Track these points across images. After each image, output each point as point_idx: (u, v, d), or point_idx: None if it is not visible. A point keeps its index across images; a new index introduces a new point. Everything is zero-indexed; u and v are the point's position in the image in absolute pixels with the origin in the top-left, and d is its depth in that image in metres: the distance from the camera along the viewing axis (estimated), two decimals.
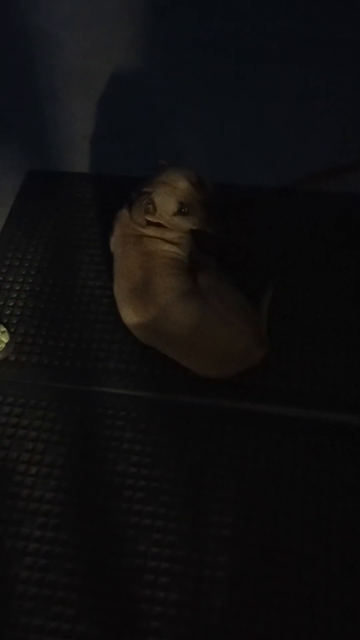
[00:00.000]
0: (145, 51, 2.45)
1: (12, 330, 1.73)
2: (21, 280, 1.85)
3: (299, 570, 1.32)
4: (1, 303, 1.80)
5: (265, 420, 1.53)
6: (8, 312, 1.78)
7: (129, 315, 1.58)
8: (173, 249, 1.59)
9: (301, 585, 1.30)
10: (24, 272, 1.87)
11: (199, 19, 2.53)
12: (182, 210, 1.51)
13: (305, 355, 1.64)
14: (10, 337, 1.70)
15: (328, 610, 1.28)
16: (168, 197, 1.50)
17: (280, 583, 1.31)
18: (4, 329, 1.69)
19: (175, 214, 1.52)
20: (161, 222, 1.55)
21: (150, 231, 1.55)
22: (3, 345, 1.67)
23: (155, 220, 1.55)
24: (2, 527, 1.40)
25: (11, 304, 1.80)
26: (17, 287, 1.83)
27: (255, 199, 1.95)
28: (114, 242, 1.63)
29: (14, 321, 1.76)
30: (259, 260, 1.81)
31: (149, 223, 1.54)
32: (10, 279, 1.85)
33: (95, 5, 2.63)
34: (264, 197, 1.96)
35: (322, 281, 1.77)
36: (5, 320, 1.75)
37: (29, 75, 2.42)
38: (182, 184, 1.50)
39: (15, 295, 1.81)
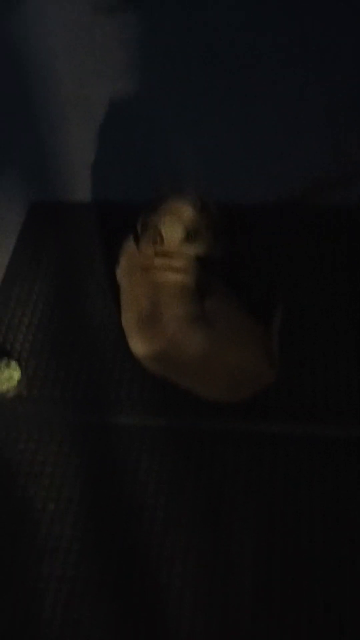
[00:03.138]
0: (140, 76, 2.46)
1: (23, 364, 1.74)
2: (29, 313, 1.85)
3: (325, 594, 1.30)
4: (11, 337, 1.81)
5: (280, 440, 1.52)
6: (18, 346, 1.78)
7: (138, 347, 1.58)
8: (179, 276, 1.59)
9: (329, 610, 1.28)
10: (32, 305, 1.87)
11: (192, 41, 2.54)
12: (190, 237, 1.51)
13: (317, 372, 1.63)
14: (22, 372, 1.71)
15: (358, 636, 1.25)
16: (174, 226, 1.51)
17: (307, 609, 1.28)
18: (15, 364, 1.70)
19: (182, 242, 1.52)
20: (169, 251, 1.56)
21: (157, 261, 1.56)
22: (15, 381, 1.67)
23: (163, 250, 1.55)
24: (22, 567, 1.39)
25: (21, 337, 1.80)
26: (26, 321, 1.84)
27: (258, 216, 1.95)
28: (121, 273, 1.64)
29: (25, 355, 1.76)
30: (265, 278, 1.80)
31: (156, 253, 1.54)
32: (19, 312, 1.86)
33: (89, 33, 2.65)
34: (266, 214, 1.95)
35: (330, 296, 1.75)
36: (16, 355, 1.76)
37: (27, 107, 2.44)
38: (187, 212, 1.51)
39: (24, 329, 1.82)
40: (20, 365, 1.72)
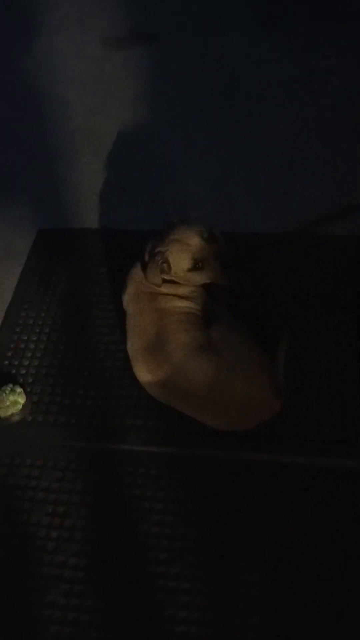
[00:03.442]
0: (147, 106, 2.52)
1: (28, 389, 1.73)
2: (35, 338, 1.86)
3: (332, 627, 1.28)
4: (16, 362, 1.81)
5: (287, 471, 1.51)
6: (23, 371, 1.78)
7: (143, 374, 1.57)
8: (186, 303, 1.60)
9: None
10: (37, 330, 1.88)
11: (198, 75, 2.60)
12: (197, 266, 1.52)
13: (323, 402, 1.63)
14: (27, 397, 1.70)
15: None
16: (182, 254, 1.52)
17: None
18: (20, 389, 1.69)
19: (189, 270, 1.53)
20: (175, 279, 1.57)
21: (163, 288, 1.57)
22: (20, 407, 1.67)
23: (170, 278, 1.56)
24: (26, 595, 1.37)
25: (26, 362, 1.81)
26: (32, 346, 1.84)
27: (262, 245, 1.97)
28: (127, 300, 1.64)
29: (30, 380, 1.76)
30: (270, 307, 1.82)
31: (163, 281, 1.55)
32: (25, 337, 1.87)
33: (98, 64, 2.72)
34: (270, 243, 1.98)
35: (336, 324, 1.76)
36: (21, 380, 1.76)
37: (37, 136, 2.49)
38: (195, 240, 1.52)
39: (30, 354, 1.82)
40: (25, 390, 1.71)
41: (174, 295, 1.60)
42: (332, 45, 2.59)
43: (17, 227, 2.18)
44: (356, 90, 2.42)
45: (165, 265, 1.53)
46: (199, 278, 1.57)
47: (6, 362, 1.81)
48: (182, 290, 1.61)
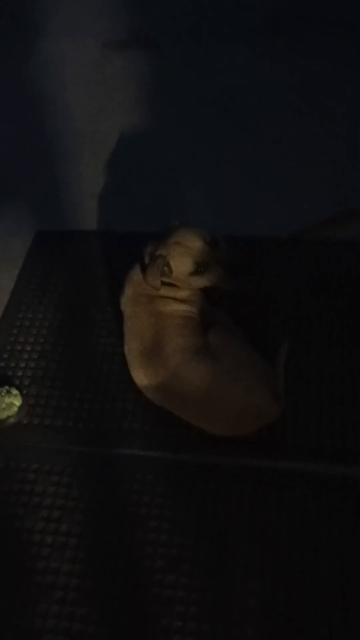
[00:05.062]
0: (148, 111, 2.51)
1: (25, 392, 1.71)
2: (32, 340, 1.84)
3: (330, 636, 1.25)
4: (13, 365, 1.78)
5: (286, 478, 1.49)
6: (20, 373, 1.76)
7: (140, 377, 1.55)
8: (184, 307, 1.58)
9: None
10: (35, 333, 1.86)
11: (198, 78, 2.60)
12: (199, 269, 1.50)
13: (324, 409, 1.61)
14: (23, 400, 1.68)
15: None
16: (184, 257, 1.50)
17: None
18: (16, 392, 1.67)
19: (191, 274, 1.51)
20: (176, 282, 1.55)
21: (162, 291, 1.55)
22: (16, 409, 1.65)
23: (170, 281, 1.54)
24: (19, 603, 1.34)
25: (23, 365, 1.78)
26: (29, 348, 1.82)
27: (262, 250, 1.96)
28: (125, 302, 1.62)
29: (26, 383, 1.74)
30: (269, 312, 1.80)
31: (163, 283, 1.53)
32: (22, 339, 1.84)
33: (99, 69, 2.72)
34: (270, 248, 1.96)
35: (336, 331, 1.75)
36: (18, 382, 1.74)
37: (37, 138, 2.48)
38: (197, 244, 1.50)
39: (26, 357, 1.80)
40: (21, 393, 1.69)
41: (173, 298, 1.58)
42: (333, 52, 2.59)
43: (15, 228, 2.17)
44: (357, 97, 2.42)
45: (166, 268, 1.51)
46: (200, 282, 1.55)
47: (2, 364, 1.78)
48: (181, 294, 1.59)
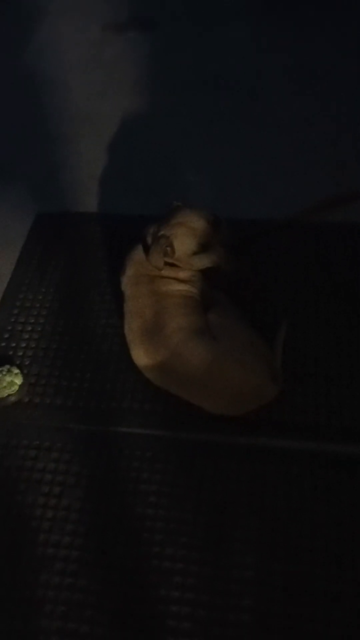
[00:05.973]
0: (148, 93, 2.51)
1: (25, 371, 1.73)
2: (33, 321, 1.85)
3: (326, 610, 1.28)
4: (14, 344, 1.80)
5: (283, 456, 1.51)
6: (21, 353, 1.78)
7: (140, 357, 1.57)
8: (185, 287, 1.59)
9: (330, 626, 1.26)
10: (35, 313, 1.87)
11: (198, 59, 2.59)
12: (202, 250, 1.51)
13: (321, 388, 1.63)
14: (24, 379, 1.70)
15: None
16: (187, 238, 1.51)
17: (308, 624, 1.27)
18: (17, 370, 1.69)
19: (193, 254, 1.52)
20: (178, 263, 1.56)
21: (164, 271, 1.56)
22: (17, 387, 1.67)
23: (172, 261, 1.55)
24: (20, 574, 1.37)
25: (23, 345, 1.80)
26: (29, 328, 1.83)
27: (262, 232, 1.97)
28: (126, 282, 1.63)
29: (27, 362, 1.76)
30: (269, 293, 1.81)
31: (165, 263, 1.54)
32: (22, 320, 1.86)
33: (98, 51, 2.71)
34: (269, 230, 1.98)
35: (334, 312, 1.76)
36: (18, 362, 1.75)
37: (37, 120, 2.48)
38: (200, 224, 1.51)
39: (27, 336, 1.82)
40: (22, 372, 1.71)
41: (175, 278, 1.59)
42: (332, 33, 2.59)
43: (16, 210, 2.17)
44: (356, 78, 2.42)
45: (169, 248, 1.52)
46: (203, 262, 1.56)
47: (3, 344, 1.80)
48: (182, 274, 1.60)
